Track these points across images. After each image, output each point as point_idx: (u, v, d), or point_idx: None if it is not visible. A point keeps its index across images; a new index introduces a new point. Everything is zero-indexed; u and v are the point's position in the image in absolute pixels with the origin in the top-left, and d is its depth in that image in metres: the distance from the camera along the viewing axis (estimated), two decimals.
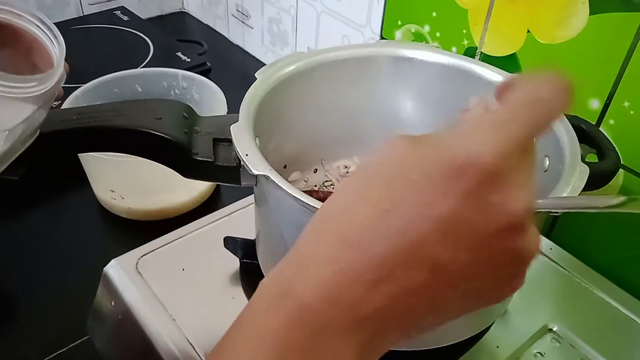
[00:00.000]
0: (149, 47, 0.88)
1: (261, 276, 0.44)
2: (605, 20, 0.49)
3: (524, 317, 0.47)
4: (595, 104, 0.52)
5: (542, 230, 0.58)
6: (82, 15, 0.98)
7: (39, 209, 0.67)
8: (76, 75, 0.76)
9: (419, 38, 0.67)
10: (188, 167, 0.38)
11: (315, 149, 0.51)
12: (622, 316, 0.48)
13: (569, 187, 0.34)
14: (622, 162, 0.52)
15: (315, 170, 0.52)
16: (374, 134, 0.51)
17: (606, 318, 0.48)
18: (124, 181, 0.63)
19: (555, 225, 0.60)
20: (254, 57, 0.99)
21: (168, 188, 0.64)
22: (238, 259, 0.50)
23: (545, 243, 0.55)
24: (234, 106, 0.41)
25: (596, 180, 0.39)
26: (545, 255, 0.53)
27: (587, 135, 0.42)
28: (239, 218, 0.54)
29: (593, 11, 0.50)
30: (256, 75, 0.42)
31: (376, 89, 0.49)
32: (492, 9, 0.58)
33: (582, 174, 0.35)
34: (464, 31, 0.61)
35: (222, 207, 0.56)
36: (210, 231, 0.53)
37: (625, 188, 0.53)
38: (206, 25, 1.07)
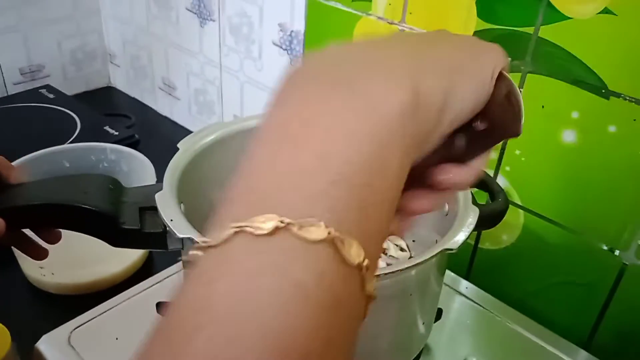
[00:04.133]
0: (76, 122, 0.90)
1: None
2: None
3: (445, 352, 0.50)
4: (492, 154, 0.58)
5: (460, 272, 0.63)
6: (6, 95, 0.99)
7: None
8: (2, 154, 0.77)
9: None
10: (116, 237, 0.40)
11: None
12: (533, 344, 0.53)
13: (463, 226, 0.39)
14: (520, 204, 0.58)
15: None
16: None
17: (519, 347, 0.53)
18: (54, 256, 0.62)
19: (472, 267, 0.65)
20: (182, 126, 1.02)
21: (99, 260, 0.64)
22: None
23: (462, 284, 0.59)
24: (163, 176, 0.43)
25: (490, 219, 0.44)
26: (463, 295, 0.58)
27: (480, 180, 0.47)
28: (171, 283, 0.56)
29: None
30: (179, 145, 0.45)
31: None
32: None
33: (474, 214, 0.40)
34: None
35: (154, 274, 0.58)
36: (142, 298, 0.54)
37: (526, 226, 0.59)
38: (133, 98, 1.10)
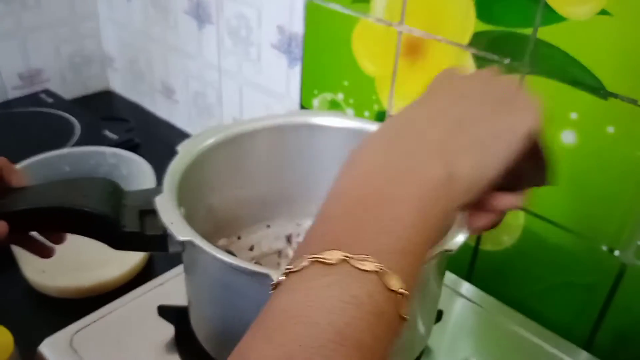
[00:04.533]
0: (75, 127, 0.90)
1: (196, 342, 0.46)
2: None
3: (446, 353, 0.51)
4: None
5: (461, 273, 0.63)
6: (6, 99, 0.99)
7: None
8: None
9: (334, 105, 0.72)
10: (117, 240, 0.40)
11: (237, 216, 0.54)
12: (533, 345, 0.53)
13: (462, 228, 0.39)
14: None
15: (239, 238, 0.55)
16: (295, 200, 0.54)
17: (520, 348, 0.53)
18: (56, 259, 0.62)
19: (473, 269, 0.65)
20: (181, 130, 1.02)
21: (100, 264, 0.64)
22: (173, 327, 0.51)
23: (463, 285, 0.59)
24: (163, 179, 0.44)
25: None
26: (464, 296, 0.58)
27: None
28: (172, 286, 0.56)
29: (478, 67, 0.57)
30: (178, 148, 0.45)
31: (291, 155, 0.53)
32: (396, 76, 0.64)
33: None
34: (374, 97, 0.67)
35: (154, 277, 0.58)
36: (143, 301, 0.54)
37: (526, 228, 0.59)
38: (132, 102, 1.10)
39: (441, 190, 0.29)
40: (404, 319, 0.26)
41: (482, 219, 0.34)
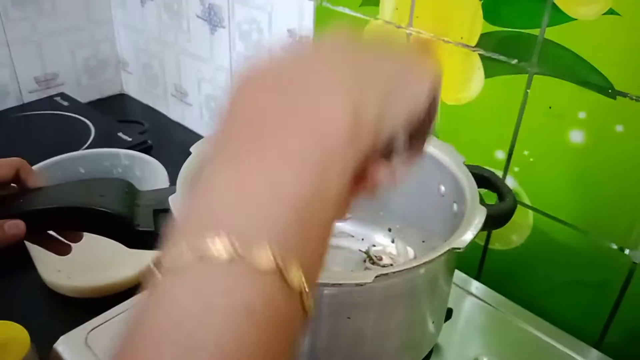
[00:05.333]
0: (90, 129, 0.91)
1: None
2: (499, 82, 0.56)
3: (456, 351, 0.51)
4: (501, 155, 0.59)
5: (470, 272, 0.64)
6: (22, 103, 1.01)
7: None
8: None
9: None
10: (131, 238, 0.41)
11: None
12: (544, 343, 0.53)
13: (471, 226, 0.39)
14: (529, 204, 0.58)
15: None
16: None
17: (530, 346, 0.53)
18: (71, 260, 0.63)
19: (482, 268, 0.65)
20: (194, 132, 1.03)
21: (114, 264, 0.66)
22: None
23: (472, 284, 0.60)
24: (177, 179, 0.44)
25: (498, 219, 0.44)
26: (473, 295, 0.58)
27: (489, 181, 0.48)
28: None
29: (487, 75, 0.57)
30: (191, 149, 0.46)
31: None
32: None
33: (481, 214, 0.40)
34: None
35: None
36: None
37: (535, 227, 0.59)
38: (146, 105, 1.12)
39: (347, 139, 0.23)
40: (307, 312, 0.22)
41: (358, 191, 0.28)
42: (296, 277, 0.21)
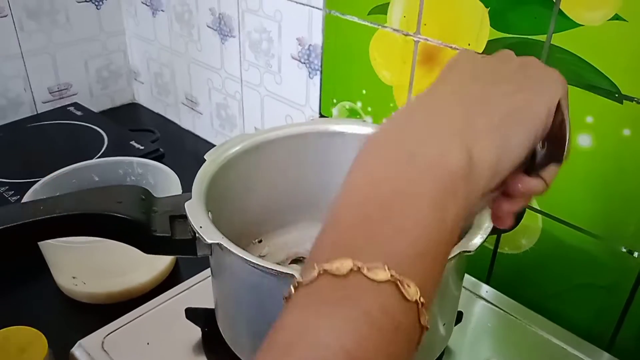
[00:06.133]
0: (104, 138, 0.93)
1: (223, 343, 0.48)
2: None
3: (466, 354, 0.51)
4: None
5: (480, 276, 0.64)
6: (36, 113, 1.03)
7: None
8: (34, 170, 0.80)
9: (353, 113, 0.74)
10: (148, 244, 0.42)
11: (260, 220, 0.56)
12: (554, 346, 0.53)
13: (481, 230, 0.40)
14: (538, 208, 0.59)
15: (260, 241, 0.57)
16: (316, 204, 0.56)
17: (540, 349, 0.53)
18: (86, 267, 0.65)
19: (492, 272, 0.66)
20: (205, 140, 1.04)
21: (128, 270, 0.67)
22: (200, 329, 0.53)
23: (482, 288, 0.60)
24: (189, 186, 0.46)
25: None
26: (484, 299, 0.59)
27: None
28: (199, 290, 0.58)
29: None
30: (205, 156, 0.48)
31: (314, 162, 0.55)
32: (413, 84, 0.66)
33: (490, 218, 0.41)
34: (392, 104, 0.69)
35: (181, 282, 0.60)
36: (171, 305, 0.56)
37: (544, 230, 0.59)
38: (157, 113, 1.13)
39: (461, 180, 0.26)
40: (424, 328, 0.24)
41: (509, 206, 0.31)
42: (412, 290, 0.23)
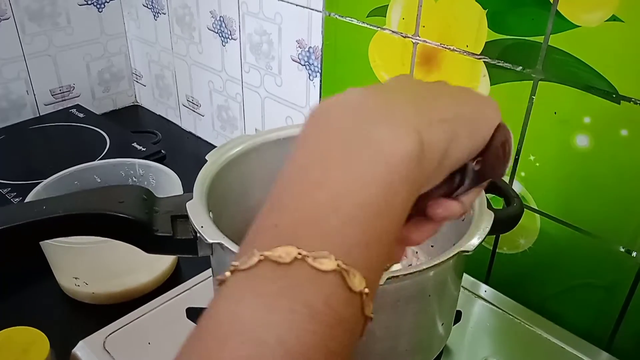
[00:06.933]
0: (105, 140, 0.93)
1: None
2: (504, 89, 0.57)
3: (465, 354, 0.52)
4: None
5: (479, 276, 0.64)
6: (38, 115, 1.03)
7: (1, 303, 0.69)
8: (36, 171, 0.81)
9: None
10: (150, 243, 0.43)
11: None
12: (553, 346, 0.54)
13: (479, 230, 0.40)
14: (536, 208, 0.59)
15: None
16: None
17: (539, 349, 0.54)
18: (88, 267, 0.66)
19: (491, 271, 0.66)
20: (206, 141, 1.05)
21: (130, 270, 0.67)
22: None
23: (481, 288, 0.60)
24: (190, 188, 0.46)
25: (506, 223, 0.45)
26: (482, 298, 0.59)
27: (496, 186, 0.49)
28: (200, 290, 0.58)
29: (493, 82, 0.58)
30: (207, 157, 0.48)
31: None
32: None
33: (489, 218, 0.41)
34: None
35: (182, 282, 0.60)
36: (173, 305, 0.57)
37: (542, 230, 0.60)
38: (159, 115, 1.14)
39: (412, 163, 0.25)
40: (368, 318, 0.23)
41: (422, 230, 0.30)
42: (356, 280, 0.22)
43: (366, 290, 0.22)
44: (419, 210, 0.30)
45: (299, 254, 0.22)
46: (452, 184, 0.30)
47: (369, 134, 0.25)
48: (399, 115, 0.26)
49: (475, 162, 0.30)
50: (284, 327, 0.20)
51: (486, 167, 0.30)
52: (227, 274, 0.23)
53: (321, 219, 0.23)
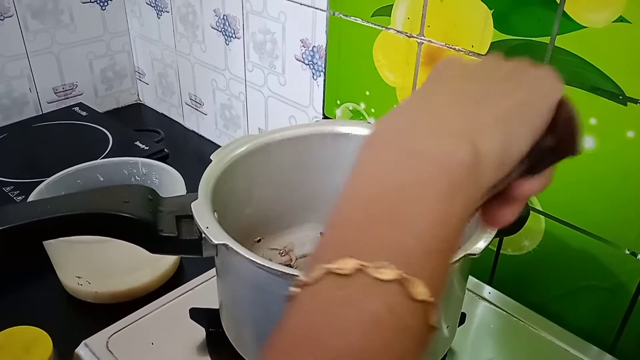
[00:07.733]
0: (108, 138, 0.93)
1: (227, 343, 0.48)
2: None
3: (469, 355, 0.52)
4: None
5: (483, 278, 0.64)
6: (41, 113, 1.03)
7: (4, 302, 0.69)
8: (39, 170, 0.81)
9: (357, 115, 0.74)
10: (155, 244, 0.42)
11: (264, 221, 0.56)
12: (557, 348, 0.54)
13: (485, 233, 0.40)
14: (541, 209, 0.59)
15: (259, 240, 0.57)
16: (320, 205, 0.56)
17: (543, 351, 0.54)
18: (91, 266, 0.65)
19: (495, 273, 0.66)
20: (209, 140, 1.05)
21: (133, 270, 0.67)
22: (204, 329, 0.53)
23: (485, 289, 0.60)
24: (193, 187, 0.46)
25: (512, 226, 0.45)
26: (486, 300, 0.59)
27: None
28: (203, 290, 0.58)
29: None
30: (212, 157, 0.48)
31: (318, 163, 0.55)
32: (416, 86, 0.66)
33: None
34: (395, 106, 0.69)
35: (185, 282, 0.60)
36: (176, 305, 0.56)
37: (547, 232, 0.60)
38: (162, 114, 1.14)
39: (467, 172, 0.25)
40: (432, 327, 0.23)
41: (507, 211, 0.31)
42: (419, 288, 0.22)
43: (430, 299, 0.23)
44: (501, 192, 0.30)
45: (361, 265, 0.22)
46: (531, 161, 0.30)
47: (421, 149, 0.26)
48: (447, 126, 0.27)
49: (545, 140, 0.29)
50: (352, 333, 0.21)
51: (558, 143, 0.30)
52: (295, 289, 0.24)
53: (379, 231, 0.24)
